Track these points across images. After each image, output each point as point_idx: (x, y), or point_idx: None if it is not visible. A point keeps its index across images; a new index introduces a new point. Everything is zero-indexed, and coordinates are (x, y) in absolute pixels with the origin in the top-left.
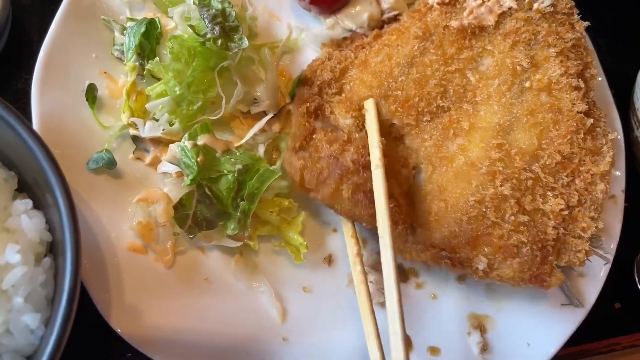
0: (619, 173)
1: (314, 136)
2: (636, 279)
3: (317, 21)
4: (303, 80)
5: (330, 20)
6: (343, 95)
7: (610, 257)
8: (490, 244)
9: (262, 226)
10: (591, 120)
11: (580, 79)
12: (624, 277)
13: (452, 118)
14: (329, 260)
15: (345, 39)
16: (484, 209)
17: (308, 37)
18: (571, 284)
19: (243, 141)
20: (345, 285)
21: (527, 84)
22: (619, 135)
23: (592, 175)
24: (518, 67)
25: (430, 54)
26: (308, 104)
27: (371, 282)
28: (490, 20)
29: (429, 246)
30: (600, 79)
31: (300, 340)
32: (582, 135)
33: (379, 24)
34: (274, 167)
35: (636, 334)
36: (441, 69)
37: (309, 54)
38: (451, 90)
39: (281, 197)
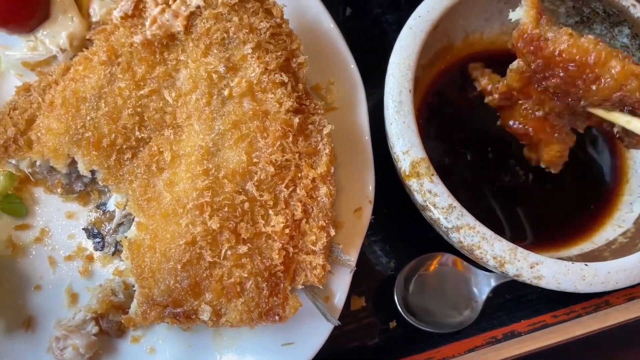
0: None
1: None
2: (394, 293)
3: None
4: None
5: (30, 42)
6: (34, 149)
7: (353, 264)
8: (211, 288)
9: None
10: (298, 119)
11: (283, 73)
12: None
13: (152, 151)
14: (28, 323)
15: (42, 73)
16: (199, 250)
17: (9, 62)
18: (323, 301)
19: None
20: (45, 351)
21: (227, 92)
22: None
23: (312, 180)
24: (214, 75)
25: (119, 79)
26: None
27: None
28: (179, 25)
29: (152, 305)
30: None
31: None
32: (291, 138)
33: (87, 43)
34: None
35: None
36: (133, 94)
37: (12, 81)
38: (147, 117)
39: None
